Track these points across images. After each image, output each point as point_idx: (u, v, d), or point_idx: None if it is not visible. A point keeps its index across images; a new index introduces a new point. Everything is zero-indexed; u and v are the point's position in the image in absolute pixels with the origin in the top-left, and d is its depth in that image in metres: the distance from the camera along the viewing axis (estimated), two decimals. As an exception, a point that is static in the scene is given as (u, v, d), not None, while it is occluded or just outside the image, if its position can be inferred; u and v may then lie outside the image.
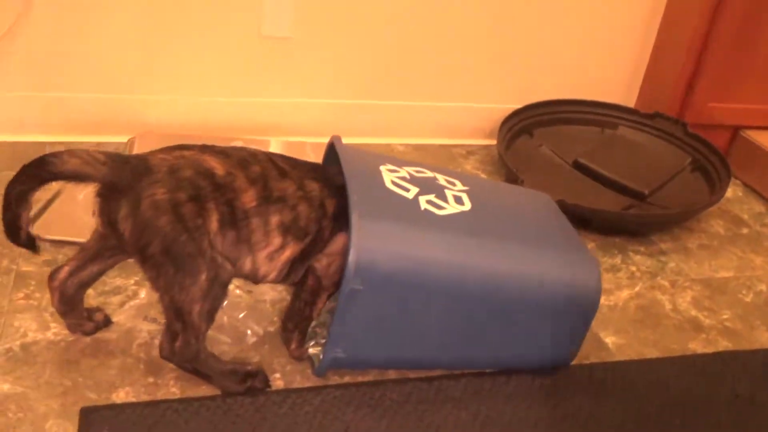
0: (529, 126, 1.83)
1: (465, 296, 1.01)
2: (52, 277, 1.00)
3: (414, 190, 1.05)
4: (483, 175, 1.73)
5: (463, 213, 1.06)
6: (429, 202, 1.05)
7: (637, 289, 1.40)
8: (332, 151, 1.15)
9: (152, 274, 0.90)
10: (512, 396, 1.08)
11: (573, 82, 1.90)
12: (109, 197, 0.87)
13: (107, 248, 0.97)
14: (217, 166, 0.91)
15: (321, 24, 1.65)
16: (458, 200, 1.08)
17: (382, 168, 1.09)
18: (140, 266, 0.91)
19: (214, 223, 0.89)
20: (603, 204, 1.59)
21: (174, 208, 0.86)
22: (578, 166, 1.76)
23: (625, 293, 1.38)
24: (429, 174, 1.13)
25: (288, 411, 0.99)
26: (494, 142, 1.86)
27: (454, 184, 1.13)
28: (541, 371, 1.13)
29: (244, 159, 0.94)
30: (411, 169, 1.12)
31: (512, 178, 1.61)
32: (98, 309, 1.09)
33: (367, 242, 0.93)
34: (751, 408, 1.14)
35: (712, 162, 1.75)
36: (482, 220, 1.08)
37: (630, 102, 1.98)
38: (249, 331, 1.10)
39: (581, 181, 1.72)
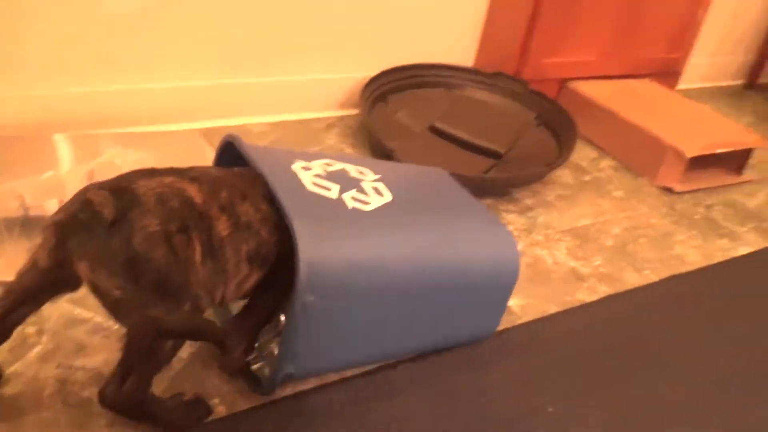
0: (383, 93, 1.83)
1: (408, 288, 1.00)
2: None
3: (335, 188, 1.02)
4: (347, 149, 1.71)
5: (387, 205, 1.04)
6: (354, 199, 1.02)
7: (520, 248, 1.47)
8: (226, 150, 1.08)
9: (128, 312, 0.79)
10: (449, 373, 1.10)
11: (416, 46, 1.92)
12: None
13: (51, 286, 0.84)
14: (196, 195, 0.86)
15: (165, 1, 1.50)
16: (378, 192, 1.07)
17: (294, 167, 1.04)
18: (110, 305, 0.80)
19: (198, 255, 0.84)
20: (463, 167, 1.63)
21: (167, 240, 0.81)
22: (434, 130, 1.79)
23: (511, 253, 1.44)
24: (339, 166, 1.10)
25: (243, 437, 0.93)
26: (349, 112, 1.84)
27: (365, 174, 1.10)
28: (464, 346, 1.16)
29: (213, 184, 0.89)
30: (320, 163, 1.08)
31: (381, 149, 1.61)
32: None
33: (314, 252, 0.89)
34: (643, 344, 1.26)
35: (554, 116, 1.87)
36: (407, 210, 1.07)
37: (468, 62, 2.04)
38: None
39: (440, 145, 1.76)
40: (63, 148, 1.31)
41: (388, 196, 1.06)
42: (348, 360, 1.04)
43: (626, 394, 1.14)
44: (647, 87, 2.21)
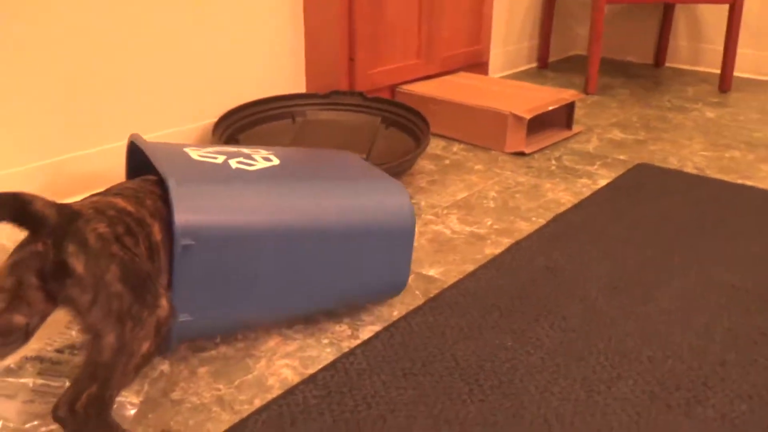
0: (233, 134, 1.80)
1: (293, 236, 1.01)
2: None
3: (222, 157, 1.06)
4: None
5: (273, 166, 1.08)
6: (239, 162, 1.06)
7: (418, 229, 1.50)
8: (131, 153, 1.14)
9: (103, 312, 0.76)
10: (403, 346, 1.09)
11: (245, 86, 1.92)
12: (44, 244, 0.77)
13: (3, 330, 0.76)
14: (127, 205, 0.86)
15: None
16: (266, 159, 1.11)
17: (186, 149, 1.08)
18: (84, 311, 0.76)
19: (145, 254, 0.84)
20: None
21: (117, 239, 0.82)
22: (293, 155, 1.79)
23: (411, 235, 1.46)
24: (234, 149, 1.15)
25: (232, 456, 0.85)
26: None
27: (259, 152, 1.16)
28: (411, 319, 1.16)
29: (135, 195, 0.90)
30: (214, 147, 1.13)
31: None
32: None
33: (188, 200, 0.91)
34: (554, 273, 1.32)
35: (399, 114, 1.94)
36: (293, 168, 1.10)
37: (301, 89, 2.07)
38: (127, 402, 0.90)
39: (303, 167, 1.76)
40: None
41: (276, 161, 1.11)
42: (248, 309, 1.02)
43: (559, 313, 1.19)
44: (465, 77, 2.36)
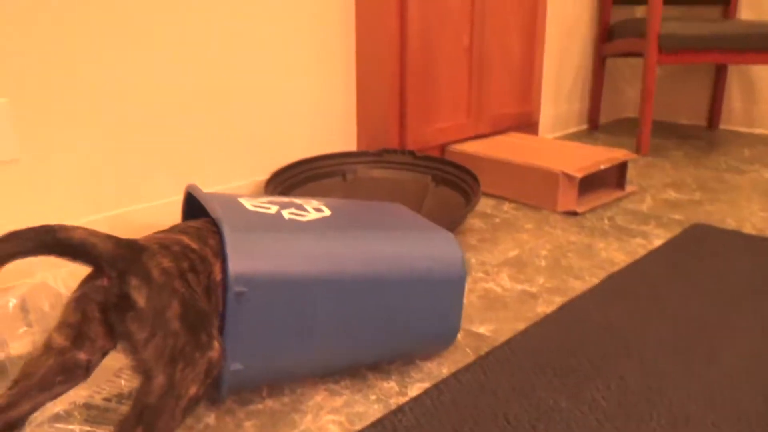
0: (283, 191, 1.82)
1: (346, 284, 1.00)
2: None
3: (275, 207, 1.07)
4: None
5: (325, 217, 1.09)
6: (292, 213, 1.07)
7: (468, 286, 1.47)
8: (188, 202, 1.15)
9: (157, 350, 0.74)
10: (453, 404, 1.05)
11: (300, 143, 1.95)
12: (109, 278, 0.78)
13: (60, 371, 0.75)
14: (191, 243, 0.87)
15: (44, 141, 1.45)
16: (318, 210, 1.12)
17: (240, 199, 1.09)
18: (140, 347, 0.74)
19: (202, 294, 0.84)
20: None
21: (182, 275, 0.82)
22: (342, 212, 1.80)
23: (461, 292, 1.44)
24: (286, 199, 1.16)
25: None
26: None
27: (310, 202, 1.17)
28: (461, 376, 1.12)
29: (199, 234, 0.91)
30: (267, 198, 1.14)
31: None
32: None
33: (242, 247, 0.91)
34: (609, 332, 1.27)
35: (449, 172, 1.93)
36: (345, 219, 1.11)
37: (352, 147, 2.10)
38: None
39: (352, 224, 1.76)
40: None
41: (327, 212, 1.11)
42: (300, 358, 1.00)
43: (617, 373, 1.14)
44: (515, 137, 2.36)
